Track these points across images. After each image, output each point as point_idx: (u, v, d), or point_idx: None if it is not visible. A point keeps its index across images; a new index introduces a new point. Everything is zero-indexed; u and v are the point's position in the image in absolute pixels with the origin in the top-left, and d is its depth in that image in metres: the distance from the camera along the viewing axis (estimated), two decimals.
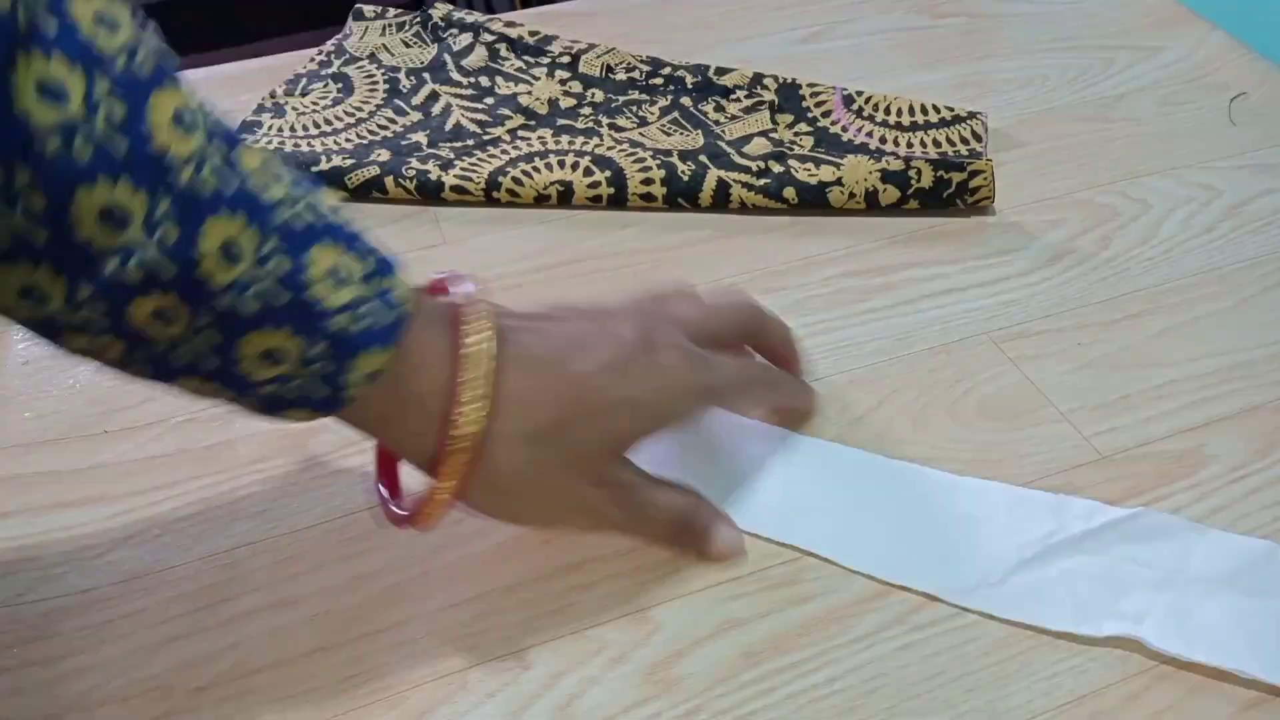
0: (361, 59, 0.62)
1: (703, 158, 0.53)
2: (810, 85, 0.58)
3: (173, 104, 0.23)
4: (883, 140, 0.55)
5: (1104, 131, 0.57)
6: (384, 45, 0.63)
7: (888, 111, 0.56)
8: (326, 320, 0.26)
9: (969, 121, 0.55)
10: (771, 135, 0.55)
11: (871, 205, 0.51)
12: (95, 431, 0.41)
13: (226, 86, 0.62)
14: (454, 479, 0.30)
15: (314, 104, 0.58)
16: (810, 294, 0.47)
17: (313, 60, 0.62)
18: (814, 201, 0.51)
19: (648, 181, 0.51)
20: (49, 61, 0.21)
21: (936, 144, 0.54)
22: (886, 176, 0.50)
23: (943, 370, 0.43)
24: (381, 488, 0.34)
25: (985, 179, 0.50)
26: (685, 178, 0.51)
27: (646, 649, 0.34)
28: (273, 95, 0.59)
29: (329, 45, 0.63)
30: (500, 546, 0.37)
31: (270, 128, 0.56)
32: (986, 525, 0.37)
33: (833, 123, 0.56)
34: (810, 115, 0.57)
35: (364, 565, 0.36)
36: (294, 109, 0.57)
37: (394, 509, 0.33)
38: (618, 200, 0.52)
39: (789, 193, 0.51)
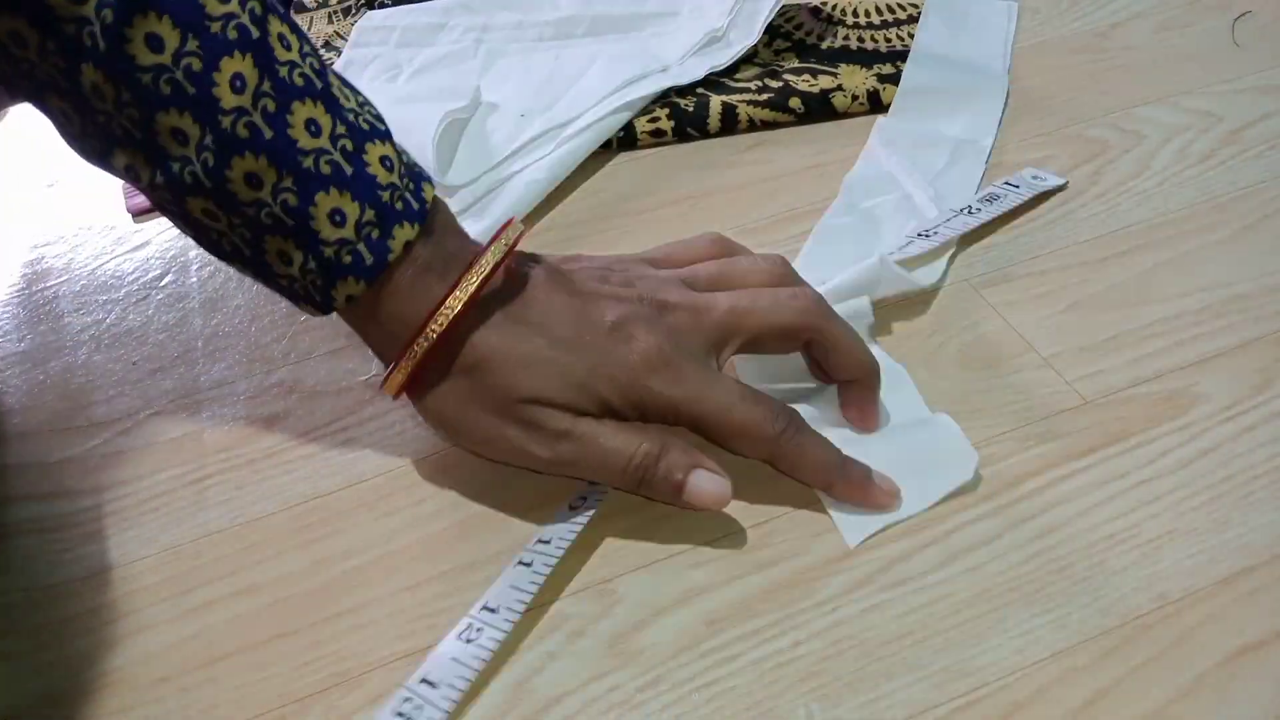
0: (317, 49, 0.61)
1: (700, 89, 0.54)
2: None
3: (233, 68, 0.31)
4: (860, 40, 0.56)
5: (1097, 62, 0.54)
6: (336, 32, 0.62)
7: (855, 14, 0.58)
8: (320, 246, 0.33)
9: None
10: (755, 61, 0.56)
11: (875, 106, 0.52)
12: (63, 426, 0.41)
13: None
14: (399, 378, 0.35)
15: None
16: (780, 251, 0.45)
17: None
18: (820, 108, 0.52)
19: (654, 119, 0.53)
20: (160, 20, 0.29)
21: (913, 36, 0.56)
22: (884, 79, 0.53)
23: (920, 320, 0.41)
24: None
25: None
26: (690, 109, 0.52)
27: (607, 621, 0.33)
28: None
29: None
30: (461, 524, 0.36)
31: None
32: None
33: (806, 34, 0.57)
34: (784, 31, 0.58)
35: (325, 549, 0.36)
36: None
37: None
38: (627, 142, 0.53)
39: (795, 102, 0.52)
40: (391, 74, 0.57)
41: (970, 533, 0.34)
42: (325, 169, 0.32)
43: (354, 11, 0.63)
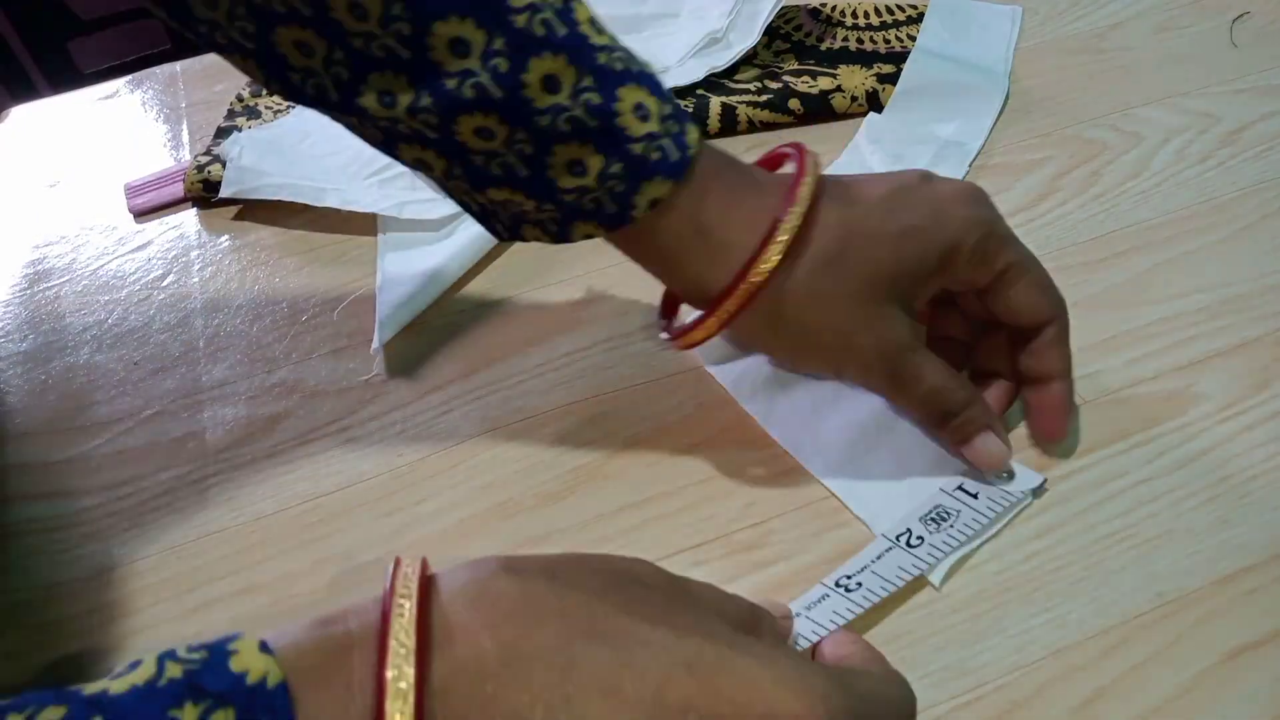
0: None
1: (700, 90, 0.54)
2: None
3: None
4: (859, 41, 0.56)
5: (1096, 63, 0.54)
6: None
7: (855, 15, 0.58)
8: (627, 144, 0.31)
9: None
10: (755, 61, 0.56)
11: (874, 107, 0.52)
12: (64, 426, 0.41)
13: (202, 77, 0.61)
14: (729, 313, 0.33)
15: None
16: None
17: None
18: (819, 109, 0.52)
19: None
20: None
21: (912, 38, 0.56)
22: (883, 79, 0.53)
23: None
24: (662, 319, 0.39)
25: None
26: (690, 108, 0.52)
27: None
28: (240, 99, 0.58)
29: None
30: (462, 523, 0.36)
31: (247, 129, 0.56)
32: None
33: (806, 35, 0.57)
34: (783, 32, 0.58)
35: (326, 549, 0.36)
36: (268, 107, 0.57)
37: (663, 332, 0.37)
38: None
39: (794, 104, 0.52)
40: None
41: None
42: (618, 65, 0.31)
43: None
